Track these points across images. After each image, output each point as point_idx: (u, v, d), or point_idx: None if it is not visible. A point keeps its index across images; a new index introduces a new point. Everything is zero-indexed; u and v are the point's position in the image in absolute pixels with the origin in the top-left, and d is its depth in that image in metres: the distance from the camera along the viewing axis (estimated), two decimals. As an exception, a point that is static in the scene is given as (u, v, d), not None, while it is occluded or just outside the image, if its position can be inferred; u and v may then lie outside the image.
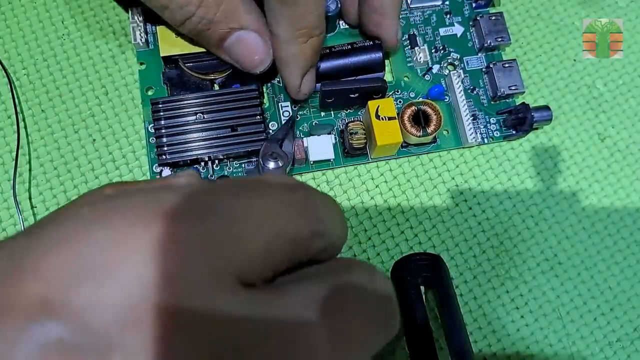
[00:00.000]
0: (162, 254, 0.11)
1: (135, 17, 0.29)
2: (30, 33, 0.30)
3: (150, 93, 0.30)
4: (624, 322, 0.28)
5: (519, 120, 0.29)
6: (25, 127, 0.29)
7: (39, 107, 0.29)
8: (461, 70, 0.31)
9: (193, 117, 0.28)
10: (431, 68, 0.31)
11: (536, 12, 0.33)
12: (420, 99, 0.30)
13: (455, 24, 0.32)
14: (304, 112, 0.30)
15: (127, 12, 0.29)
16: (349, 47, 0.29)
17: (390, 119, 0.27)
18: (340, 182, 0.29)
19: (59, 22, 0.31)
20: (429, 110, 0.28)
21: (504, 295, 0.28)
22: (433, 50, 0.31)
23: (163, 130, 0.27)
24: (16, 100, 0.29)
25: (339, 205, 0.16)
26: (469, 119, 0.29)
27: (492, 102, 0.31)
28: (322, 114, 0.30)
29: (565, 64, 0.32)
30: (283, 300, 0.12)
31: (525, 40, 0.33)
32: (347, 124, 0.29)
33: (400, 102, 0.30)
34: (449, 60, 0.31)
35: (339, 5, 0.30)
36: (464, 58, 0.31)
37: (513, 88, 0.30)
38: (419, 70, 0.31)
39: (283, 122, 0.29)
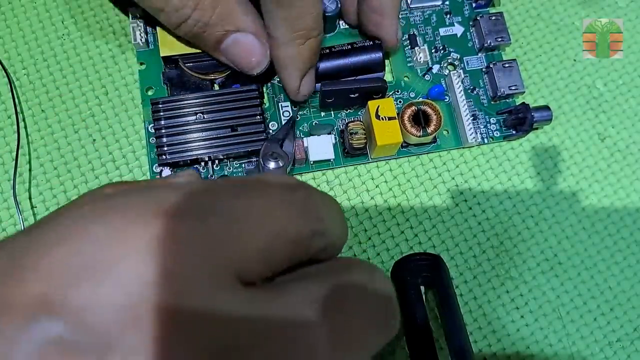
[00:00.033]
0: (162, 252, 0.11)
1: (135, 17, 0.29)
2: (30, 33, 0.30)
3: (150, 93, 0.30)
4: (624, 322, 0.28)
5: (519, 120, 0.29)
6: (25, 127, 0.29)
7: (39, 107, 0.29)
8: (461, 70, 0.31)
9: (193, 117, 0.28)
10: (431, 68, 0.31)
11: (536, 12, 0.33)
12: (420, 99, 0.30)
13: (455, 24, 0.32)
14: (304, 112, 0.30)
15: (127, 12, 0.29)
16: (349, 47, 0.29)
17: (390, 119, 0.27)
18: (340, 182, 0.29)
19: (59, 22, 0.31)
20: (429, 110, 0.28)
21: (504, 295, 0.28)
22: (433, 50, 0.31)
23: (163, 130, 0.27)
24: (16, 100, 0.29)
25: (339, 205, 0.16)
26: (469, 119, 0.29)
27: (492, 102, 0.31)
28: (322, 114, 0.30)
29: (565, 64, 0.32)
30: (283, 299, 0.12)
31: (525, 40, 0.33)
32: (347, 124, 0.29)
33: (400, 102, 0.30)
34: (449, 60, 0.31)
35: (339, 5, 0.30)
36: (464, 58, 0.31)
37: (513, 88, 0.30)
38: (419, 70, 0.31)
39: (283, 122, 0.29)
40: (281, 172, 0.27)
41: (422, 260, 0.26)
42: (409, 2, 0.32)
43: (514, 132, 0.30)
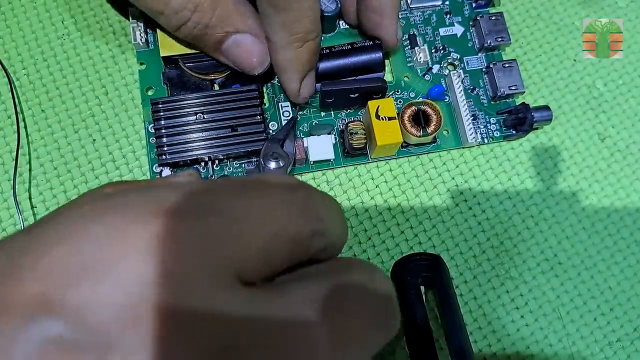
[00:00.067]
0: (161, 252, 0.11)
1: (135, 18, 0.29)
2: (30, 33, 0.30)
3: (150, 93, 0.30)
4: (624, 322, 0.28)
5: (519, 120, 0.29)
6: (25, 127, 0.29)
7: (39, 107, 0.29)
8: (461, 70, 0.31)
9: (193, 117, 0.28)
10: (431, 68, 0.31)
11: (536, 12, 0.33)
12: (420, 99, 0.30)
13: (455, 24, 0.32)
14: (304, 112, 0.30)
15: (127, 12, 0.29)
16: (349, 47, 0.29)
17: (390, 119, 0.27)
18: (340, 182, 0.29)
19: (59, 22, 0.31)
20: (429, 110, 0.28)
21: (504, 295, 0.28)
22: (433, 50, 0.31)
23: (163, 130, 0.27)
24: (16, 100, 0.29)
25: (340, 205, 0.16)
26: (469, 119, 0.29)
27: (492, 102, 0.31)
28: (322, 114, 0.30)
29: (565, 64, 0.32)
30: (283, 299, 0.12)
31: (525, 40, 0.33)
32: (347, 124, 0.29)
33: (400, 102, 0.30)
34: (449, 60, 0.31)
35: (339, 5, 0.30)
36: (464, 58, 0.31)
37: (513, 88, 0.30)
38: (419, 70, 0.31)
39: (284, 123, 0.29)
40: (282, 172, 0.27)
41: (422, 260, 0.26)
42: (409, 2, 0.32)
43: (514, 132, 0.30)
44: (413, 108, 0.28)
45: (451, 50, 0.31)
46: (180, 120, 0.28)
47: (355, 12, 0.29)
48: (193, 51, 0.28)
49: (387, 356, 0.26)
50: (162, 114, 0.28)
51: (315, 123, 0.30)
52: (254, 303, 0.12)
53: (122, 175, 0.28)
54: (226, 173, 0.28)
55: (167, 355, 0.10)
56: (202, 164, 0.28)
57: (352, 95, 0.28)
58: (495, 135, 0.30)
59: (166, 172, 0.28)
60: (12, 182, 0.27)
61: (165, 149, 0.27)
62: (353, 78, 0.29)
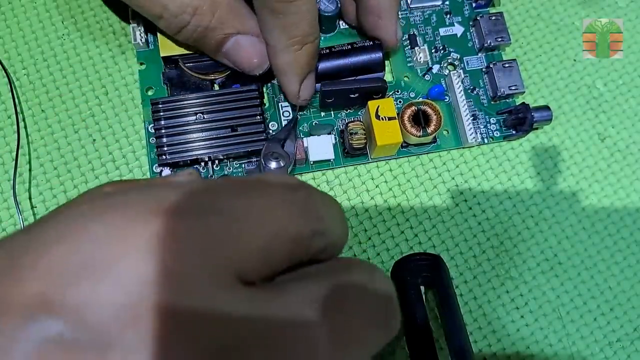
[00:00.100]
0: (161, 251, 0.11)
1: (135, 18, 0.29)
2: (30, 33, 0.30)
3: (150, 93, 0.30)
4: (624, 322, 0.28)
5: (519, 120, 0.29)
6: (25, 127, 0.29)
7: (39, 107, 0.29)
8: (461, 70, 0.31)
9: (193, 117, 0.28)
10: (431, 68, 0.31)
11: (536, 12, 0.33)
12: (420, 99, 0.30)
13: (455, 24, 0.32)
14: (304, 112, 0.30)
15: (127, 12, 0.29)
16: (349, 47, 0.29)
17: (390, 119, 0.27)
18: (340, 182, 0.29)
19: (59, 22, 0.31)
20: (429, 110, 0.28)
21: (504, 295, 0.28)
22: (433, 50, 0.31)
23: (163, 131, 0.27)
24: (16, 100, 0.29)
25: (340, 205, 0.16)
26: (469, 119, 0.29)
27: (492, 102, 0.31)
28: (322, 114, 0.30)
29: (565, 64, 0.32)
30: (283, 299, 0.12)
31: (525, 40, 0.33)
32: (347, 124, 0.29)
33: (400, 102, 0.30)
34: (449, 60, 0.31)
35: (339, 5, 0.30)
36: (464, 58, 0.31)
37: (513, 88, 0.30)
38: (419, 70, 0.31)
39: (284, 123, 0.29)
40: (282, 172, 0.27)
41: (422, 260, 0.26)
42: (409, 2, 0.32)
43: (514, 132, 0.30)
44: (413, 108, 0.28)
45: (451, 50, 0.31)
46: (180, 120, 0.28)
47: (355, 12, 0.29)
48: (193, 51, 0.28)
49: (387, 356, 0.26)
50: (162, 114, 0.28)
51: (315, 123, 0.30)
52: (254, 303, 0.12)
53: (122, 175, 0.28)
54: (226, 173, 0.28)
55: (167, 354, 0.10)
56: (202, 164, 0.28)
57: (352, 95, 0.28)
58: (495, 135, 0.30)
59: (166, 172, 0.28)
60: (12, 182, 0.27)
61: (165, 149, 0.27)
62: (353, 78, 0.29)
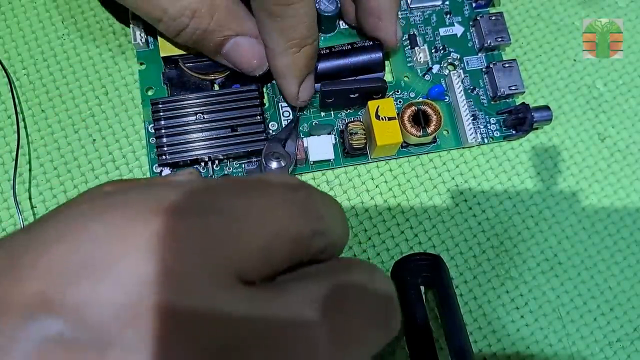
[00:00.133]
0: (161, 250, 0.11)
1: (135, 18, 0.29)
2: (30, 33, 0.30)
3: (150, 93, 0.30)
4: (624, 322, 0.28)
5: (519, 120, 0.29)
6: (25, 127, 0.29)
7: (39, 107, 0.29)
8: (461, 70, 0.31)
9: (193, 117, 0.28)
10: (431, 68, 0.31)
11: (536, 12, 0.33)
12: (420, 99, 0.30)
13: (455, 24, 0.32)
14: (304, 112, 0.30)
15: (127, 12, 0.29)
16: (349, 47, 0.29)
17: (390, 119, 0.27)
18: (340, 182, 0.29)
19: (59, 22, 0.31)
20: (429, 110, 0.28)
21: (504, 295, 0.28)
22: (433, 50, 0.31)
23: (163, 131, 0.27)
24: (16, 100, 0.29)
25: (341, 205, 0.16)
26: (469, 119, 0.29)
27: (492, 102, 0.31)
28: (322, 114, 0.30)
29: (565, 64, 0.32)
30: (283, 299, 0.12)
31: (525, 40, 0.33)
32: (347, 124, 0.29)
33: (400, 102, 0.30)
34: (449, 60, 0.31)
35: (339, 5, 0.30)
36: (464, 58, 0.31)
37: (513, 88, 0.30)
38: (419, 70, 0.31)
39: (284, 123, 0.29)
40: (283, 172, 0.27)
41: (422, 260, 0.26)
42: (409, 2, 0.32)
43: (514, 132, 0.30)
44: (413, 108, 0.28)
45: (451, 50, 0.31)
46: (180, 121, 0.28)
47: (354, 13, 0.29)
48: (193, 51, 0.28)
49: (387, 356, 0.26)
50: (162, 114, 0.28)
51: (315, 123, 0.30)
52: (254, 302, 0.12)
53: (122, 175, 0.28)
54: (226, 173, 0.28)
55: (167, 354, 0.10)
56: (202, 164, 0.28)
57: (352, 96, 0.28)
58: (495, 135, 0.30)
59: (166, 172, 0.28)
60: (12, 182, 0.27)
61: (165, 149, 0.27)
62: (353, 78, 0.29)
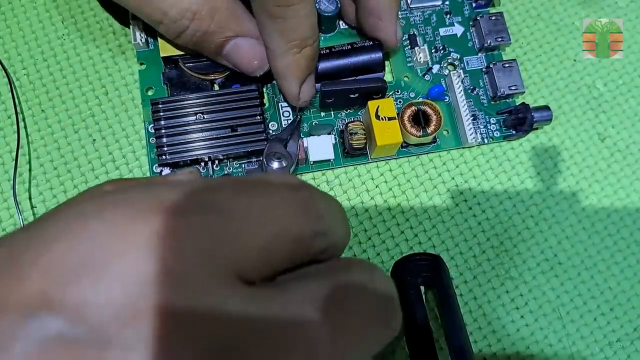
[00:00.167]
0: (161, 249, 0.11)
1: (135, 18, 0.29)
2: (30, 33, 0.30)
3: (150, 93, 0.30)
4: (624, 322, 0.28)
5: (519, 120, 0.29)
6: (25, 127, 0.29)
7: (39, 107, 0.29)
8: (461, 70, 0.31)
9: (193, 118, 0.28)
10: (431, 68, 0.31)
11: (536, 12, 0.33)
12: (420, 99, 0.30)
13: (455, 24, 0.32)
14: (304, 112, 0.30)
15: (127, 12, 0.29)
16: (349, 47, 0.29)
17: (390, 119, 0.27)
18: (340, 182, 0.29)
19: (59, 22, 0.31)
20: (429, 110, 0.28)
21: (504, 295, 0.28)
22: (433, 50, 0.31)
23: (163, 131, 0.27)
24: (16, 100, 0.29)
25: (341, 205, 0.16)
26: (469, 119, 0.29)
27: (492, 102, 0.31)
28: (322, 114, 0.30)
29: (565, 64, 0.32)
30: (283, 298, 0.12)
31: (525, 40, 0.33)
32: (347, 124, 0.29)
33: (400, 102, 0.30)
34: (449, 60, 0.31)
35: (339, 5, 0.30)
36: (464, 58, 0.31)
37: (513, 88, 0.30)
38: (419, 70, 0.31)
39: (284, 123, 0.29)
40: (284, 172, 0.27)
41: (422, 260, 0.26)
42: (409, 2, 0.32)
43: (514, 132, 0.30)
44: (413, 108, 0.28)
45: (451, 50, 0.31)
46: (180, 121, 0.28)
47: (354, 13, 0.29)
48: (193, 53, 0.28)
49: (387, 356, 0.26)
50: (162, 114, 0.28)
51: (315, 123, 0.30)
52: (254, 302, 0.12)
53: (122, 175, 0.28)
54: (226, 173, 0.28)
55: (167, 353, 0.10)
56: (202, 164, 0.28)
57: (352, 96, 0.28)
58: (495, 135, 0.30)
59: (166, 172, 0.28)
60: (12, 182, 0.27)
61: (165, 149, 0.27)
62: (353, 78, 0.29)
